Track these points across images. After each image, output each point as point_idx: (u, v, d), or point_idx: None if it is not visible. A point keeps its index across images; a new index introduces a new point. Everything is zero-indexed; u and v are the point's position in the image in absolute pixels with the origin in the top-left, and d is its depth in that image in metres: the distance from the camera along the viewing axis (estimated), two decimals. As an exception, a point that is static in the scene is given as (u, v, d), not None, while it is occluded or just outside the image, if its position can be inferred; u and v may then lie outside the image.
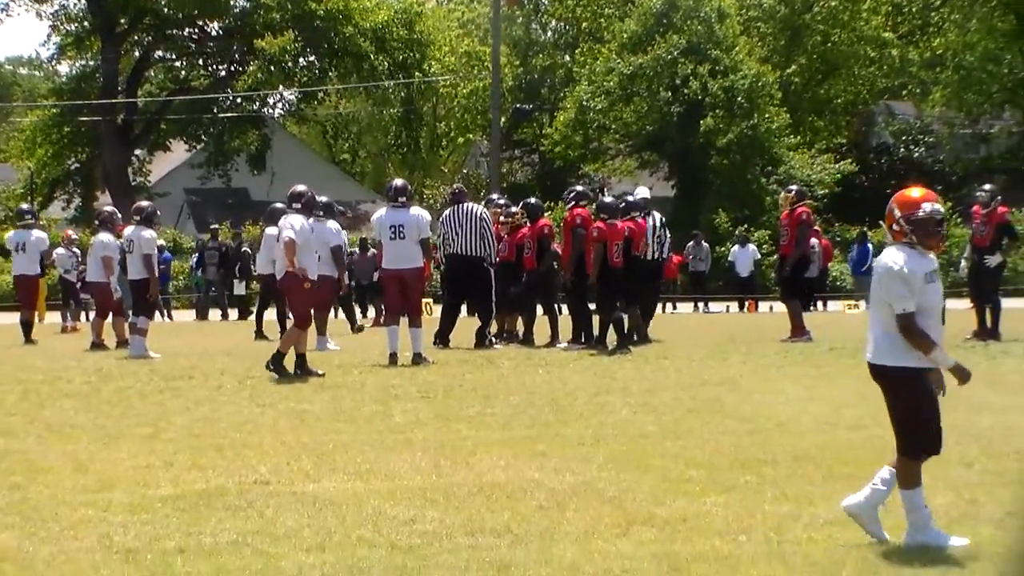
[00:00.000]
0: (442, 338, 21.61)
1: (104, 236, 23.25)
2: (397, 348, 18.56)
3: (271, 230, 21.62)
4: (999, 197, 22.77)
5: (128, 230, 22.15)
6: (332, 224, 22.20)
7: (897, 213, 7.56)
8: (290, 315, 18.88)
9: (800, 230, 22.80)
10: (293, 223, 17.18)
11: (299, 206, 17.55)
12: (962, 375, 7.50)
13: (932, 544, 7.32)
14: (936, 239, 7.57)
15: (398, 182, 19.74)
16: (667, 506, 8.45)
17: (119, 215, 24.29)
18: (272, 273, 20.00)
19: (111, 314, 23.61)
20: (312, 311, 18.14)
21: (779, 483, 9.22)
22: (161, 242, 32.21)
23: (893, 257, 7.45)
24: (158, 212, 22.88)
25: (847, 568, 6.91)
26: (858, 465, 9.63)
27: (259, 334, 24.82)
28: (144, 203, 23.05)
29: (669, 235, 23.64)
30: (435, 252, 24.65)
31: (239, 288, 38.30)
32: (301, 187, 17.98)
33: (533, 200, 23.62)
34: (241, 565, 7.01)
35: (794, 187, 24.84)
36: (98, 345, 23.01)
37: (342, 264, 22.56)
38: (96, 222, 24.59)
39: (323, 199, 23.11)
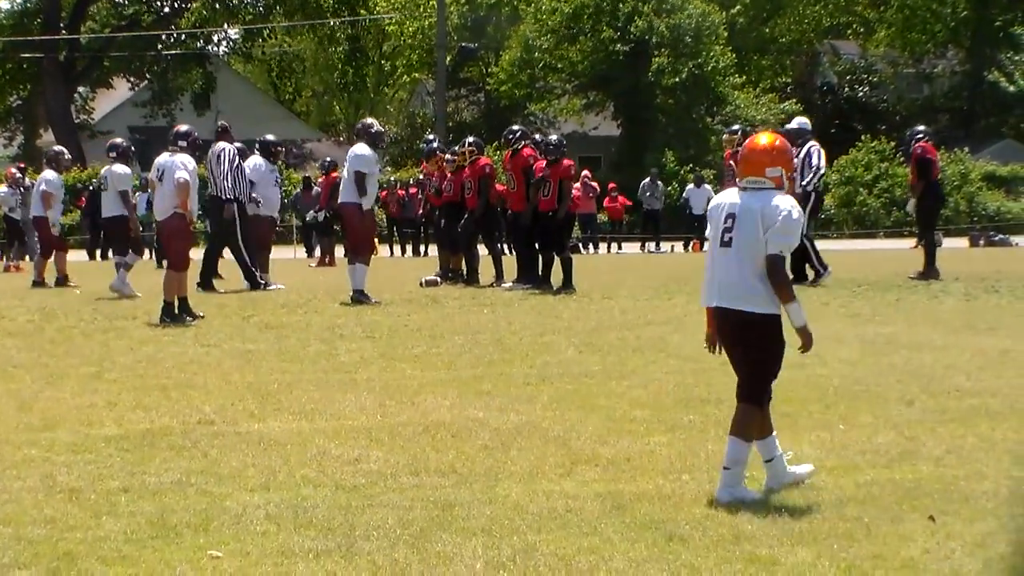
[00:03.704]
0: (203, 282, 21.37)
1: (48, 173, 23.33)
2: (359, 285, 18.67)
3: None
4: (920, 135, 22.81)
5: (102, 168, 21.85)
6: (256, 159, 22.31)
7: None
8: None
9: (745, 170, 22.84)
10: (186, 163, 16.42)
11: (185, 144, 16.73)
12: (808, 340, 7.33)
13: (745, 500, 7.02)
14: None
15: (365, 120, 20.02)
16: (611, 446, 8.49)
17: (67, 155, 24.24)
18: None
19: (54, 251, 23.52)
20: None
21: (722, 422, 9.23)
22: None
23: (791, 203, 7.15)
24: (133, 148, 22.41)
25: (788, 504, 6.97)
26: (800, 403, 9.74)
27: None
28: (118, 140, 22.56)
29: (823, 168, 21.90)
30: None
31: None
32: (186, 126, 17.43)
33: (472, 138, 23.53)
34: (185, 505, 7.01)
35: (738, 127, 24.91)
36: (39, 283, 23.03)
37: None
38: (44, 160, 24.63)
39: (270, 138, 23.14)
